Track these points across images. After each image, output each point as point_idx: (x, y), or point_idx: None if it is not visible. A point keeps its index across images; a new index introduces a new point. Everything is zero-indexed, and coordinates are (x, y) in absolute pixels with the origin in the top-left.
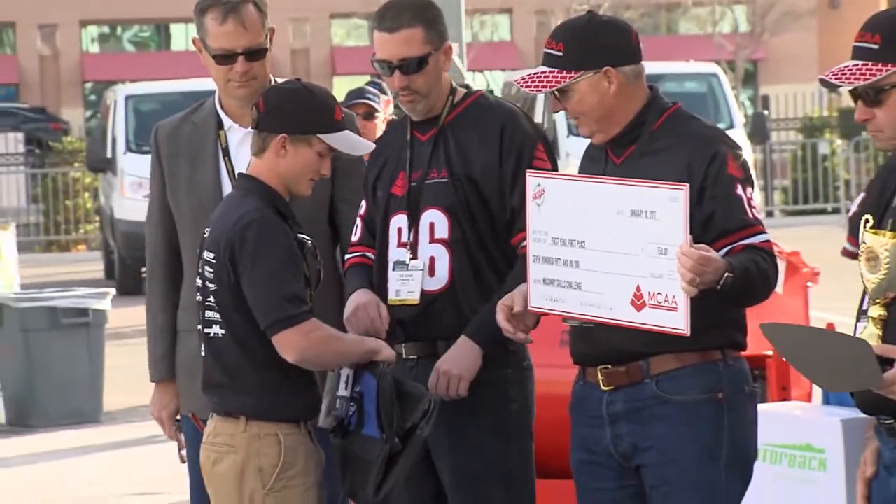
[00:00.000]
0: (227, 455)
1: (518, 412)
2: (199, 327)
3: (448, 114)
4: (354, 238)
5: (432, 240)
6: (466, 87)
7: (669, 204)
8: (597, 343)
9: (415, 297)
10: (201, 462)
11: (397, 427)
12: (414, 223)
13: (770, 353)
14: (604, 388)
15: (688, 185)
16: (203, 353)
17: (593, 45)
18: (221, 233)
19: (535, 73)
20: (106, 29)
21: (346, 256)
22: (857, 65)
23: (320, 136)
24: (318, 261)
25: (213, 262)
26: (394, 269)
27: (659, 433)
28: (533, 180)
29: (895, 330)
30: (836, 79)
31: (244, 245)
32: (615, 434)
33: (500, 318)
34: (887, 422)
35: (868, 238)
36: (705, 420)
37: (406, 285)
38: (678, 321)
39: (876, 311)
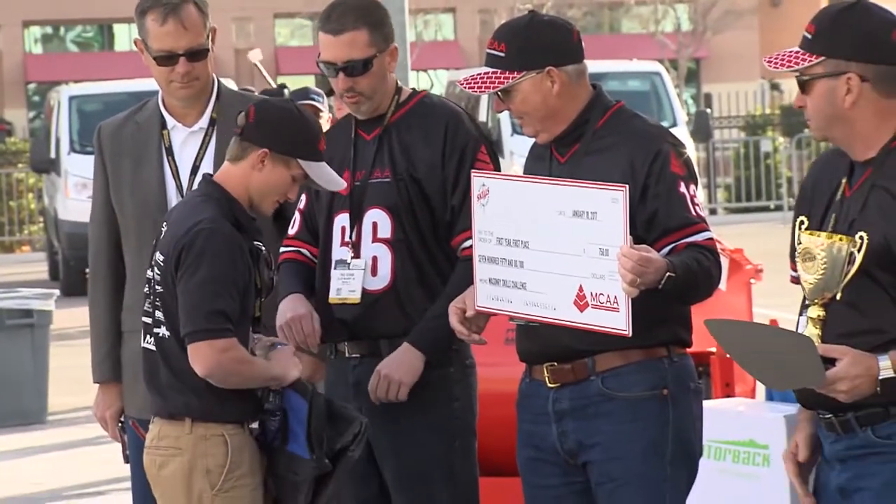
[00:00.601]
0: (174, 458)
1: (461, 410)
2: (147, 321)
3: (393, 113)
4: (291, 231)
5: (375, 239)
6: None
7: (610, 205)
8: (543, 341)
9: (355, 297)
10: (146, 467)
11: (327, 448)
12: (357, 222)
13: (714, 349)
14: (550, 385)
15: (627, 186)
16: (148, 350)
17: (535, 45)
18: (173, 237)
19: (478, 74)
20: (49, 29)
21: (281, 249)
22: (794, 52)
23: (301, 160)
24: (271, 270)
25: (162, 264)
26: (335, 268)
27: (604, 430)
28: (478, 180)
29: (834, 329)
30: (768, 62)
31: (191, 251)
32: (561, 431)
33: (454, 321)
34: (826, 416)
35: (804, 239)
36: (650, 416)
37: (347, 284)
38: (620, 322)
39: (814, 312)
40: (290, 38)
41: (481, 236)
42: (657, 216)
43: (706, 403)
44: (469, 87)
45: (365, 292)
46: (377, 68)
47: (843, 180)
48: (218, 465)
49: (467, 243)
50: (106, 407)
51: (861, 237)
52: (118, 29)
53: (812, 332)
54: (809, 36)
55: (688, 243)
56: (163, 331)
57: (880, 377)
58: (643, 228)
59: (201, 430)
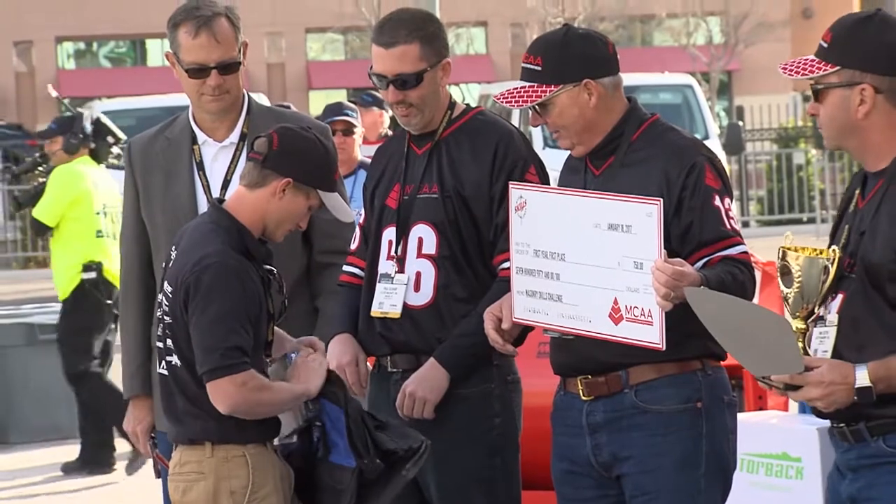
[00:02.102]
0: (197, 482)
1: (502, 426)
2: (160, 346)
3: (445, 129)
4: (353, 247)
5: (420, 255)
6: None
7: (645, 219)
8: (577, 353)
9: (396, 311)
10: (170, 494)
11: (375, 451)
12: (403, 237)
13: None
14: (584, 398)
15: (661, 199)
16: (163, 376)
17: (571, 58)
18: (181, 269)
19: (514, 89)
20: (82, 45)
21: (344, 267)
22: (809, 59)
23: (321, 191)
24: (282, 294)
25: (171, 296)
26: (380, 282)
27: (638, 443)
28: (515, 192)
29: (844, 344)
30: (783, 68)
31: (199, 288)
32: (595, 444)
33: (489, 328)
34: (838, 426)
35: (786, 255)
36: (684, 429)
37: (389, 298)
38: (654, 335)
39: (796, 325)
40: (322, 53)
41: (518, 248)
42: (692, 229)
43: (739, 416)
44: (507, 102)
45: (406, 307)
46: (428, 82)
47: (857, 191)
48: (241, 486)
49: (506, 264)
50: (137, 422)
51: (833, 250)
52: (150, 44)
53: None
54: (825, 45)
55: (722, 257)
56: (174, 359)
57: (856, 386)
58: (678, 241)
59: (222, 453)
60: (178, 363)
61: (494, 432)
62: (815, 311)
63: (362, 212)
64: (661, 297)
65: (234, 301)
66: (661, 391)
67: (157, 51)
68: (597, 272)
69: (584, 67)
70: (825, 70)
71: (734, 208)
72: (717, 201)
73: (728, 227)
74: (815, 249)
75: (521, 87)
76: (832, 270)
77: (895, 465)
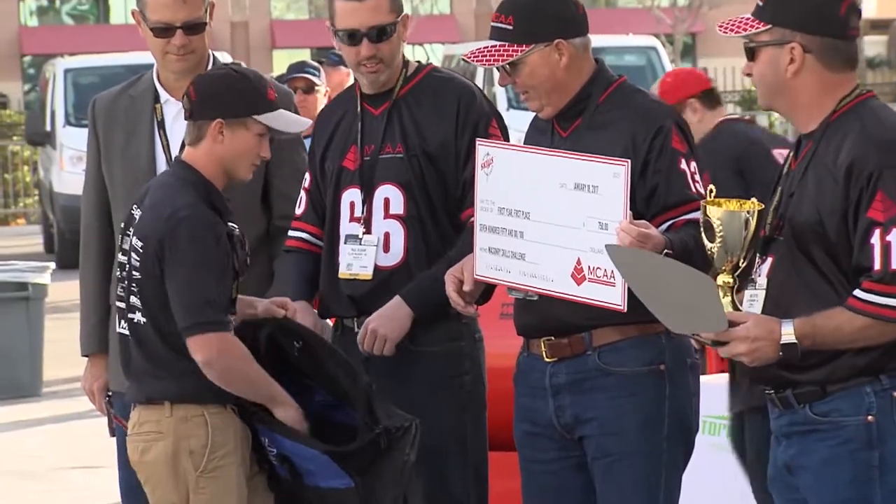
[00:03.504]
0: (156, 442)
1: (472, 383)
2: (121, 305)
3: (402, 87)
4: (298, 211)
5: (387, 215)
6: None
7: (611, 179)
8: (540, 315)
9: (367, 273)
10: (129, 454)
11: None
12: (368, 198)
13: None
14: (547, 359)
15: (629, 161)
16: (122, 335)
17: (543, 18)
18: (153, 224)
19: (485, 48)
20: (44, 2)
21: (290, 233)
22: (745, 18)
23: (256, 117)
24: (245, 251)
25: (141, 251)
26: (345, 243)
27: (601, 404)
28: (482, 149)
29: (771, 306)
30: (720, 27)
31: (175, 241)
32: (558, 405)
33: (450, 289)
34: (769, 391)
35: (708, 210)
36: (647, 392)
37: (358, 260)
38: (616, 296)
39: (722, 279)
40: (286, 12)
41: (483, 205)
42: (657, 192)
43: (701, 379)
44: (476, 61)
45: (377, 268)
46: (397, 35)
47: (791, 154)
48: (200, 445)
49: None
50: (94, 379)
51: (755, 202)
52: (114, 2)
53: (725, 300)
54: (760, 3)
55: (687, 220)
56: (137, 317)
57: (782, 342)
58: (643, 204)
59: (181, 412)
60: (143, 321)
61: (465, 389)
62: (740, 264)
63: (307, 176)
64: None
65: (209, 254)
66: (625, 353)
67: (119, 8)
68: (561, 232)
69: (555, 27)
70: (758, 28)
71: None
72: (684, 164)
73: (693, 190)
74: (739, 202)
75: (492, 46)
76: (752, 223)
77: (821, 432)
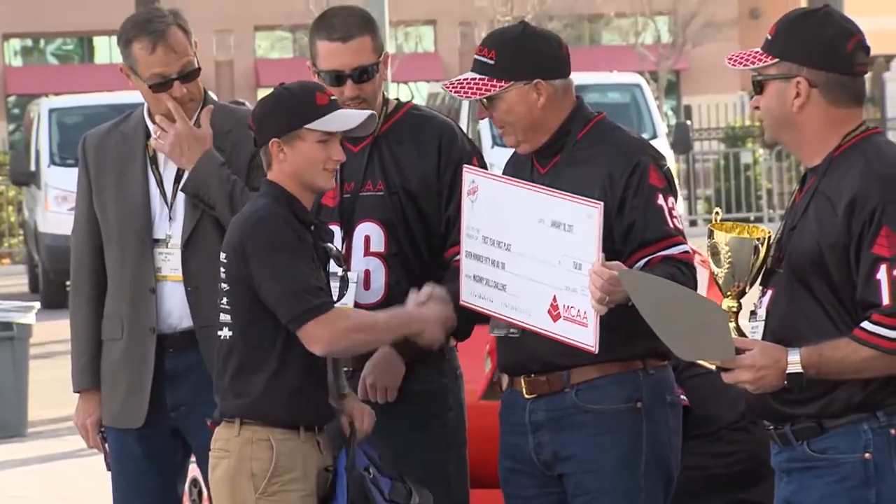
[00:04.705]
0: (222, 460)
1: (455, 419)
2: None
3: (382, 124)
4: None
5: (367, 253)
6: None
7: (585, 220)
8: (521, 352)
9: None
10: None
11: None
12: (347, 236)
13: None
14: (526, 396)
15: (602, 203)
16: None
17: (525, 56)
18: (231, 234)
19: (464, 79)
20: (29, 42)
21: None
22: (753, 52)
23: (308, 126)
24: (343, 268)
25: (225, 262)
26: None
27: (579, 442)
28: (468, 176)
29: (768, 337)
30: (729, 59)
31: (255, 241)
32: (537, 442)
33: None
34: (768, 427)
35: (715, 234)
36: (624, 429)
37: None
38: (587, 337)
39: (727, 304)
40: (271, 51)
41: (469, 232)
42: (634, 228)
43: None
44: (455, 91)
45: (357, 306)
46: (380, 75)
47: (797, 188)
48: (263, 469)
49: (459, 256)
50: (87, 416)
51: (765, 230)
52: (98, 41)
53: (730, 326)
54: (770, 37)
55: (663, 256)
56: (225, 332)
57: (788, 371)
58: (621, 240)
59: (248, 434)
60: (228, 335)
61: (449, 426)
62: (747, 289)
63: None
64: (595, 301)
65: (292, 245)
66: (602, 390)
67: (104, 48)
68: (539, 267)
69: (536, 67)
70: (766, 62)
71: (681, 207)
72: (661, 200)
73: (671, 226)
74: (745, 226)
75: (472, 79)
76: (762, 251)
77: (819, 469)
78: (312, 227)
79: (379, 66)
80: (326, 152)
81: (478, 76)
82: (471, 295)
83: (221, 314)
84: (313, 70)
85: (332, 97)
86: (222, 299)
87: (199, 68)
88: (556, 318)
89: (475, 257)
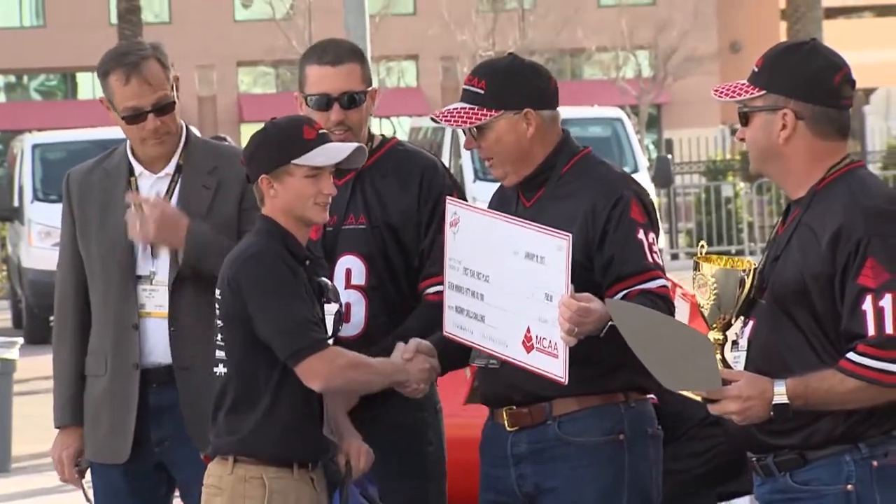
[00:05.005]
0: (215, 497)
1: (435, 453)
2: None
3: (367, 159)
4: None
5: (348, 285)
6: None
7: (555, 252)
8: (503, 384)
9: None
10: None
11: None
12: (329, 268)
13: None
14: (509, 428)
15: (570, 235)
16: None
17: (515, 86)
18: (226, 269)
19: (454, 108)
20: (12, 78)
21: None
22: (740, 84)
23: (295, 161)
24: (338, 303)
25: (220, 299)
26: None
27: (560, 474)
28: (451, 208)
29: (752, 367)
30: (716, 90)
31: (249, 277)
32: (519, 474)
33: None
34: (752, 458)
35: (701, 266)
36: (605, 461)
37: None
38: (558, 368)
39: (713, 336)
40: (253, 86)
41: (451, 263)
42: (613, 261)
43: None
44: (445, 120)
45: (337, 339)
46: (367, 105)
47: (780, 219)
48: None
49: (432, 289)
50: (63, 448)
51: (749, 262)
52: (81, 77)
53: (716, 358)
54: (756, 69)
55: (641, 290)
56: (220, 369)
57: (774, 402)
58: (601, 272)
59: (241, 472)
60: (223, 372)
61: (429, 459)
62: (733, 321)
63: None
64: (564, 332)
65: (286, 280)
66: (584, 423)
67: (87, 84)
68: (514, 298)
69: (526, 96)
70: (752, 94)
71: (663, 241)
72: (641, 234)
73: (650, 260)
74: (731, 259)
75: (462, 108)
76: (748, 282)
77: (802, 501)
78: (307, 262)
79: (366, 95)
80: (316, 186)
81: (468, 106)
82: (453, 326)
83: (217, 351)
84: (301, 95)
85: (321, 131)
86: (217, 336)
87: (174, 102)
88: (529, 349)
89: (456, 288)
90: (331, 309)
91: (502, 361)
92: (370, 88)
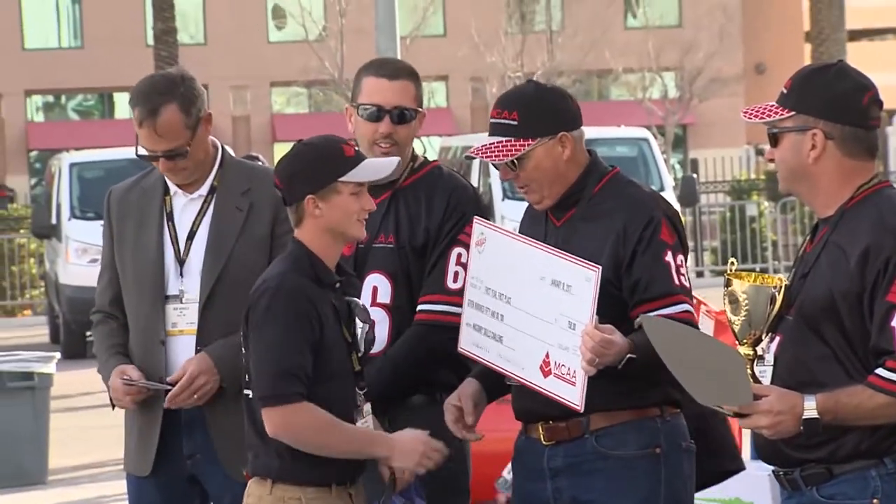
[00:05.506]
0: None
1: (454, 470)
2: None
3: (406, 178)
4: None
5: (374, 303)
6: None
7: (583, 282)
8: (539, 400)
9: None
10: None
11: None
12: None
13: None
14: (545, 442)
15: (600, 267)
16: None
17: (547, 112)
18: (250, 296)
19: (491, 144)
20: (50, 98)
21: None
22: (769, 105)
23: (342, 179)
24: (365, 323)
25: (244, 325)
26: None
27: (598, 487)
28: (477, 228)
29: (780, 381)
30: (745, 112)
31: (256, 311)
32: (556, 487)
33: (449, 420)
34: (778, 472)
35: (732, 282)
36: (642, 474)
37: None
38: (574, 396)
39: (743, 351)
40: (286, 106)
41: (473, 282)
42: (640, 283)
43: None
44: (486, 157)
45: (367, 357)
46: (416, 124)
47: (808, 237)
48: None
49: (424, 307)
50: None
51: (780, 278)
52: (118, 97)
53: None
54: (785, 91)
55: (662, 315)
56: (249, 392)
57: (804, 416)
58: (628, 293)
59: (279, 492)
60: (251, 394)
61: (447, 477)
62: (763, 337)
63: None
64: (585, 362)
65: (290, 323)
66: (621, 437)
67: (124, 103)
68: (535, 323)
69: (558, 120)
70: (781, 115)
71: (689, 259)
72: (669, 257)
73: (676, 282)
74: (760, 275)
75: (498, 142)
76: (779, 299)
77: None
78: (337, 285)
79: (417, 114)
80: (359, 203)
81: (503, 139)
82: (469, 343)
83: (246, 374)
84: (353, 106)
85: (356, 148)
86: (245, 360)
87: (186, 152)
88: (546, 373)
89: (476, 306)
90: (361, 328)
91: (516, 383)
92: (420, 110)
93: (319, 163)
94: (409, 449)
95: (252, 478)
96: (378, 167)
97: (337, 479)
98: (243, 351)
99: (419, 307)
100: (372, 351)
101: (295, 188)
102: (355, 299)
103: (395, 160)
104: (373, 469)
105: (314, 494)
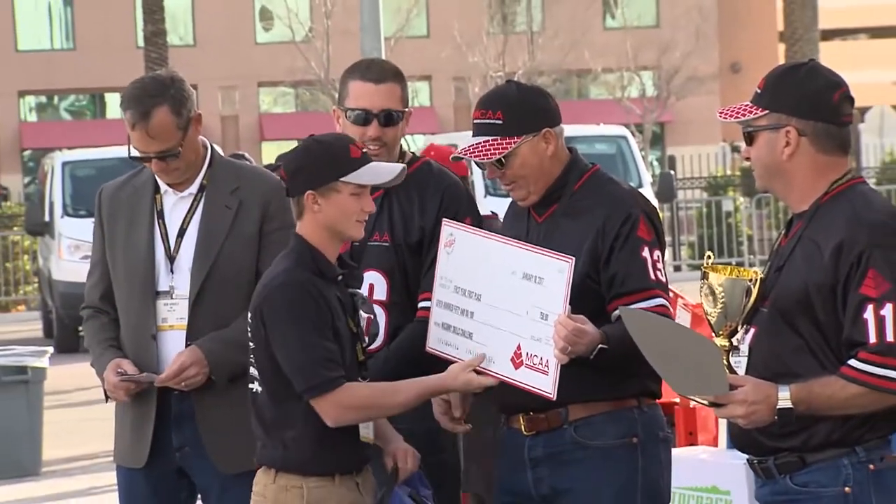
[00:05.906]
0: None
1: (447, 460)
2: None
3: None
4: None
5: (370, 300)
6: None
7: (556, 274)
8: (519, 392)
9: None
10: None
11: None
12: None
13: (678, 400)
14: (525, 433)
15: (573, 258)
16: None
17: (530, 110)
18: (256, 296)
19: (478, 144)
20: (43, 98)
21: None
22: (744, 105)
23: (343, 179)
24: (368, 314)
25: (251, 322)
26: None
27: (577, 476)
28: (446, 229)
29: (755, 372)
30: (720, 113)
31: (271, 308)
32: (536, 477)
33: (437, 412)
34: (752, 460)
35: (709, 276)
36: (620, 464)
37: None
38: (547, 385)
39: (719, 342)
40: (274, 106)
41: (441, 282)
42: (616, 277)
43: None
44: (473, 156)
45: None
46: (402, 125)
47: (783, 232)
48: None
49: (425, 303)
50: (111, 370)
51: (755, 272)
52: (110, 98)
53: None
54: (759, 90)
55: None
56: (255, 386)
57: (778, 406)
58: (605, 287)
59: (283, 482)
60: (259, 389)
61: (441, 466)
62: (738, 328)
63: None
64: (558, 350)
65: (309, 315)
66: (599, 427)
67: (115, 104)
68: (506, 317)
69: (542, 117)
70: (755, 114)
71: (666, 253)
72: (646, 252)
73: (652, 277)
74: (736, 269)
75: (484, 142)
76: (754, 291)
77: (801, 502)
78: (340, 278)
79: (403, 115)
80: (359, 204)
81: (489, 138)
82: (437, 342)
83: (252, 368)
84: (340, 109)
85: (364, 150)
86: (250, 355)
87: (178, 153)
88: (518, 365)
89: (445, 306)
90: (364, 319)
91: (486, 376)
92: (406, 109)
93: (324, 160)
94: (457, 371)
95: (260, 467)
96: (382, 172)
97: (340, 469)
98: (252, 345)
99: (420, 304)
100: (371, 347)
101: (297, 182)
102: (358, 291)
103: (400, 167)
104: (381, 459)
105: (316, 483)
